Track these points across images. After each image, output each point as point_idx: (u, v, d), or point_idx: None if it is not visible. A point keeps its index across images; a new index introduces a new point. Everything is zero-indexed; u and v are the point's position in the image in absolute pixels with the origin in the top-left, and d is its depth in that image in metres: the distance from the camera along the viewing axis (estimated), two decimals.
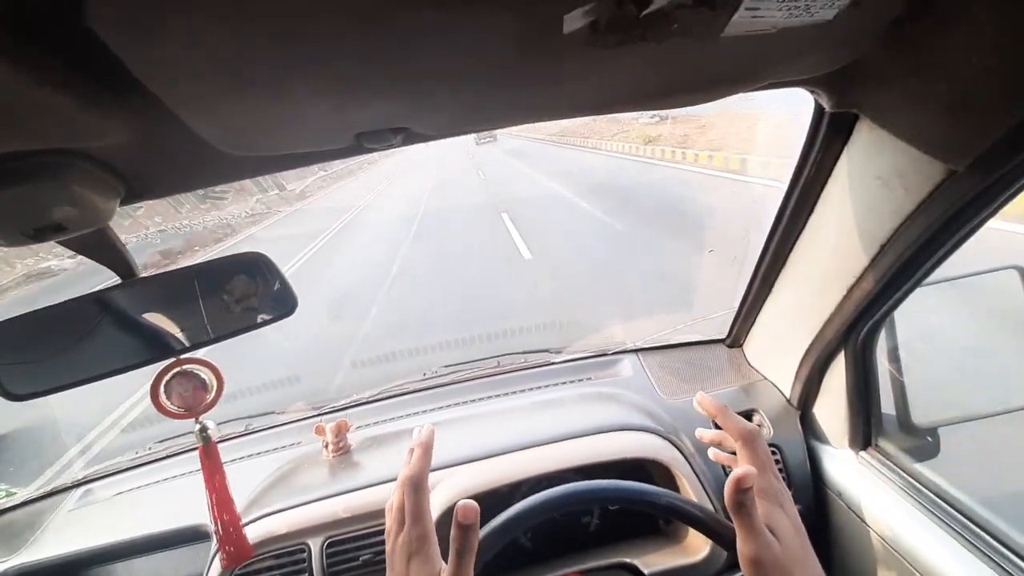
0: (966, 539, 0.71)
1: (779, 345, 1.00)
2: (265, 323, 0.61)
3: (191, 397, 0.60)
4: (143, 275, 0.57)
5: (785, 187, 0.74)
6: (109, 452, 3.31)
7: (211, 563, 0.89)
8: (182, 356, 0.59)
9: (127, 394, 3.91)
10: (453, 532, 0.46)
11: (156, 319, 0.58)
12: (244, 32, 0.28)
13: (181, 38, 0.28)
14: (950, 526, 0.73)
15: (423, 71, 0.35)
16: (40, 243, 0.48)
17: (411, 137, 0.48)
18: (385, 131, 0.44)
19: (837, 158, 0.62)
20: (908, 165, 0.52)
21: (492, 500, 0.86)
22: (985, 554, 0.68)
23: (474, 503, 0.46)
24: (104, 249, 0.55)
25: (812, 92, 0.55)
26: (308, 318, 4.66)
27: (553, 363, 1.28)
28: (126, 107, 0.37)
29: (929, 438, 0.87)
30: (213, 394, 0.61)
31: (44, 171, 0.42)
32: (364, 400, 1.25)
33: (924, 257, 0.61)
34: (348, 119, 0.41)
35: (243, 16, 0.27)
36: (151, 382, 0.59)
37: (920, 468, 0.83)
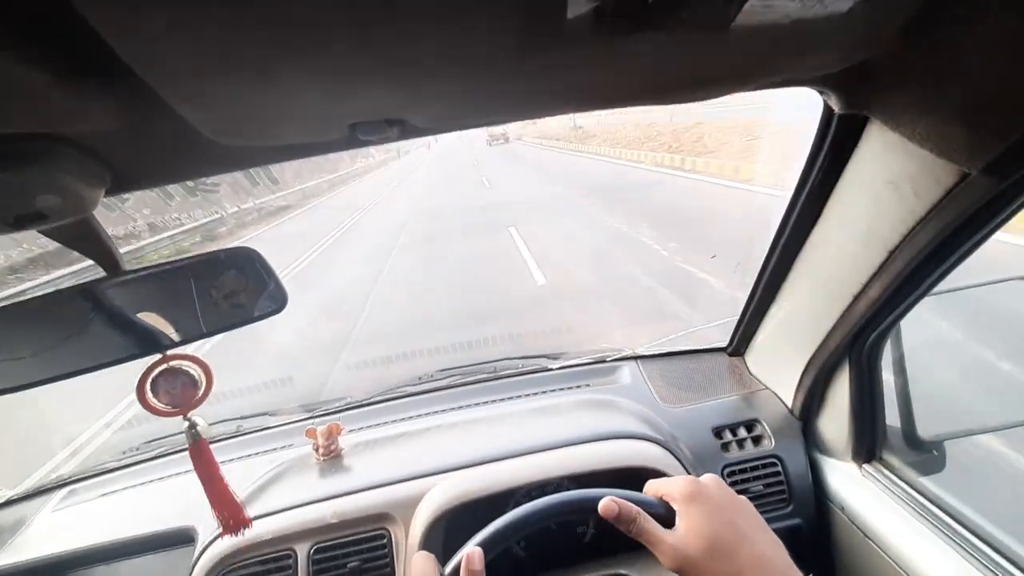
0: (972, 555, 0.69)
1: (781, 354, 0.98)
2: (254, 320, 0.59)
3: (179, 394, 0.57)
4: (129, 268, 0.56)
5: (790, 193, 0.72)
6: (100, 455, 3.26)
7: (194, 567, 0.86)
8: (169, 352, 0.57)
9: (120, 396, 3.86)
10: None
11: (142, 314, 0.56)
12: (232, 12, 0.27)
13: (166, 17, 0.26)
14: (956, 541, 0.71)
15: (420, 59, 0.33)
16: (19, 232, 0.47)
17: (408, 130, 0.46)
18: (380, 122, 0.43)
19: (846, 162, 0.61)
20: (919, 169, 0.50)
21: (486, 507, 0.84)
22: (992, 571, 0.66)
23: (480, 551, 0.48)
24: (88, 240, 0.53)
25: (822, 93, 0.54)
26: None
27: (551, 369, 1.26)
28: (111, 89, 0.36)
29: (934, 451, 0.85)
30: (202, 391, 0.58)
31: (25, 157, 0.41)
32: (357, 403, 1.23)
33: (934, 264, 0.60)
34: (341, 108, 0.40)
35: None
36: (137, 379, 0.56)
37: (925, 482, 0.81)
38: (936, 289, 0.67)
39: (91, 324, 0.56)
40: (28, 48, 0.29)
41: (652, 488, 0.55)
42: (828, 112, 0.58)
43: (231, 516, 0.67)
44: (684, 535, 0.49)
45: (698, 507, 0.50)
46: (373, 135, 0.45)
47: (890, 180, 0.55)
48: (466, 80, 0.36)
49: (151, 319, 0.56)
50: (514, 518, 0.52)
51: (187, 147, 0.47)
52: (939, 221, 0.53)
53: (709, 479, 0.53)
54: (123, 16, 0.26)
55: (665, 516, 0.52)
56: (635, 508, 0.51)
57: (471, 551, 0.48)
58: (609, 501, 0.51)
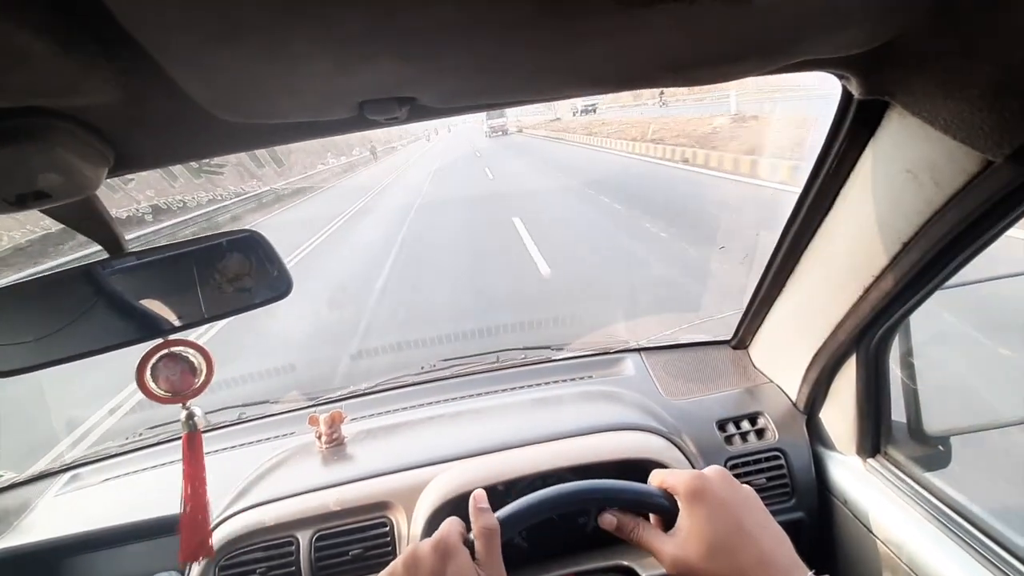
0: (977, 551, 0.68)
1: (787, 347, 0.97)
2: (257, 305, 0.58)
3: (179, 381, 0.56)
4: (131, 250, 0.55)
5: (803, 182, 0.71)
6: (105, 440, 3.26)
7: None
8: (171, 338, 0.56)
9: (125, 382, 3.85)
10: (473, 517, 0.51)
11: (143, 297, 0.55)
12: None
13: None
14: (960, 537, 0.71)
15: (431, 30, 0.32)
16: (21, 211, 0.46)
17: (417, 110, 0.45)
18: (390, 101, 0.42)
19: (862, 150, 0.60)
20: (941, 156, 0.49)
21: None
22: (997, 567, 0.66)
23: (481, 490, 0.53)
24: (91, 221, 0.52)
25: (841, 77, 0.52)
26: None
27: (554, 360, 1.25)
28: (113, 59, 0.35)
29: (940, 447, 0.84)
30: (202, 379, 0.58)
31: (27, 133, 0.40)
32: (360, 392, 1.23)
33: (949, 257, 0.59)
34: (350, 84, 0.39)
35: None
36: (137, 363, 0.56)
37: (930, 477, 0.80)
38: (949, 283, 0.66)
39: (93, 306, 0.56)
40: (28, 15, 0.28)
41: (657, 479, 0.55)
42: (846, 98, 0.57)
43: (196, 535, 0.65)
44: (684, 539, 0.48)
45: (701, 506, 0.49)
46: (382, 114, 0.44)
47: (908, 169, 0.54)
48: (480, 54, 0.35)
49: (153, 302, 0.56)
50: (532, 501, 0.53)
51: (191, 125, 0.46)
52: (958, 212, 0.51)
53: (714, 473, 0.52)
54: None
55: (669, 508, 0.52)
56: (632, 519, 0.53)
57: (476, 491, 0.53)
58: (608, 515, 0.54)
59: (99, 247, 0.55)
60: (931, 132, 0.48)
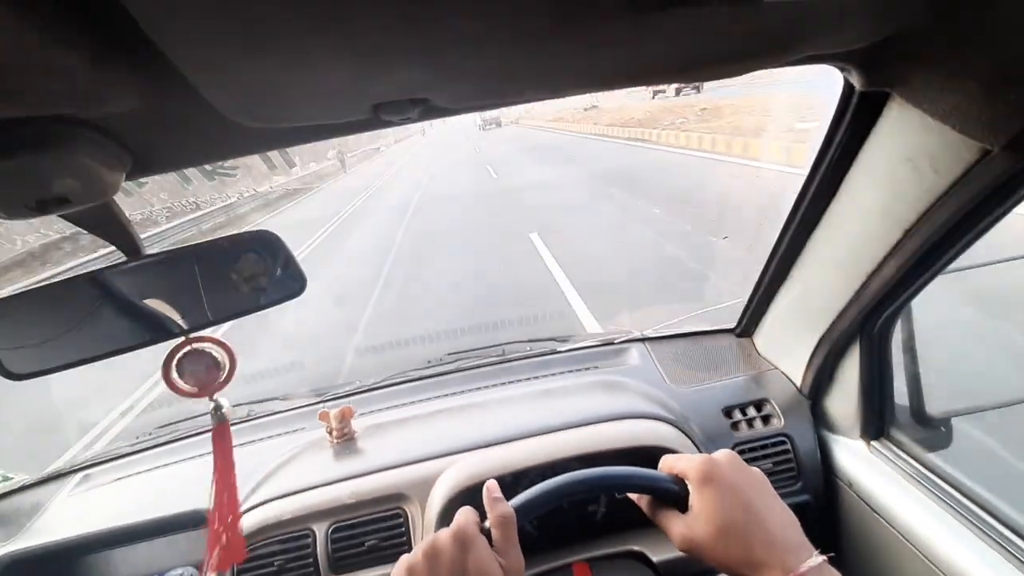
0: (980, 528, 0.70)
1: (791, 334, 0.99)
2: (274, 303, 0.59)
3: (203, 375, 0.57)
4: (148, 252, 0.55)
5: (806, 172, 0.72)
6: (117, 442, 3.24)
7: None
8: (192, 335, 0.57)
9: (136, 384, 3.86)
10: (488, 506, 0.52)
11: (162, 298, 0.56)
12: None
13: None
14: (964, 515, 0.72)
15: (447, 35, 0.33)
16: (42, 216, 0.47)
17: (429, 110, 0.46)
18: (404, 102, 0.43)
19: (863, 140, 0.61)
20: (940, 145, 0.50)
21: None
22: (1000, 544, 0.67)
23: (494, 480, 0.54)
24: (108, 225, 0.53)
25: (843, 70, 0.53)
26: None
27: (559, 352, 1.26)
28: (138, 71, 0.35)
29: (942, 428, 0.86)
30: (226, 372, 0.59)
31: (48, 140, 0.40)
32: (368, 387, 1.24)
33: (950, 243, 0.60)
34: (366, 88, 0.40)
35: None
36: (162, 361, 0.57)
37: (933, 458, 0.82)
38: (950, 267, 0.67)
39: (111, 308, 0.56)
40: (60, 29, 0.29)
41: (667, 464, 0.56)
42: (848, 90, 0.58)
43: (229, 543, 0.62)
44: (694, 520, 0.50)
45: (711, 490, 0.50)
46: (395, 115, 0.44)
47: (909, 157, 0.55)
48: (494, 58, 0.36)
49: (172, 303, 0.57)
50: (545, 489, 0.54)
51: (207, 129, 0.47)
52: (958, 199, 0.53)
53: (724, 456, 0.53)
54: None
55: (679, 493, 0.53)
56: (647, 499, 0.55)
57: (489, 481, 0.54)
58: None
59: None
60: (930, 122, 0.49)
